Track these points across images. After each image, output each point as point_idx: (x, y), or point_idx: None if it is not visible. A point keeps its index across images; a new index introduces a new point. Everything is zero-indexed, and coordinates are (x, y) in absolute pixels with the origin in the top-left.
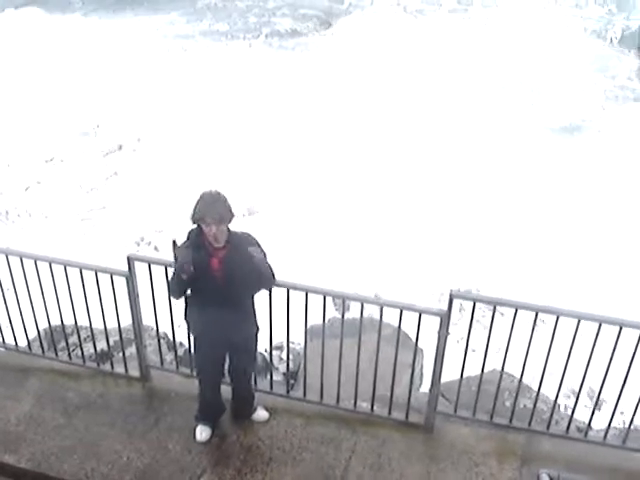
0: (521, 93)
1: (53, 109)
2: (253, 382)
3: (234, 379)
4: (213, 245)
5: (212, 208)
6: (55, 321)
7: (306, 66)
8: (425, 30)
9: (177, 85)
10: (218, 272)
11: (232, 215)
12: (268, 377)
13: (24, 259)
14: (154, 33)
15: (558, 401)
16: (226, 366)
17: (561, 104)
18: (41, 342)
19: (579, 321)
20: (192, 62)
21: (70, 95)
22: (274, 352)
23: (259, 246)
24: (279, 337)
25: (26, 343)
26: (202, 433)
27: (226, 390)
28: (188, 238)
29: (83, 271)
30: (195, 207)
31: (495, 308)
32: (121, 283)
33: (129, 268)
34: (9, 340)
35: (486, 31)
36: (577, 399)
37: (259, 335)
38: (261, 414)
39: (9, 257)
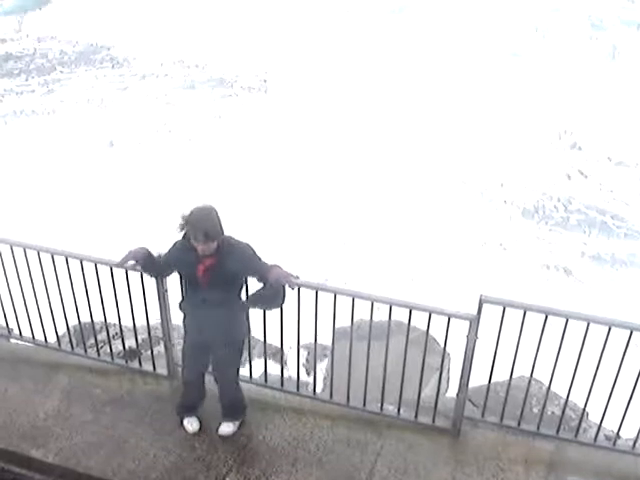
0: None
1: None
2: (238, 388)
3: (217, 380)
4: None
5: (199, 227)
6: (85, 318)
7: None
8: None
9: None
10: (202, 278)
11: (221, 232)
12: (295, 378)
13: (55, 256)
14: None
15: (587, 409)
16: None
17: None
18: (70, 338)
19: (610, 328)
20: None
21: None
22: (301, 353)
23: (255, 257)
24: (306, 338)
25: (55, 339)
26: (191, 425)
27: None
28: (184, 237)
29: (113, 269)
30: (184, 222)
31: (525, 313)
32: (150, 281)
33: None
34: (39, 336)
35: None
36: (606, 407)
37: (246, 340)
38: (225, 429)
39: (40, 253)
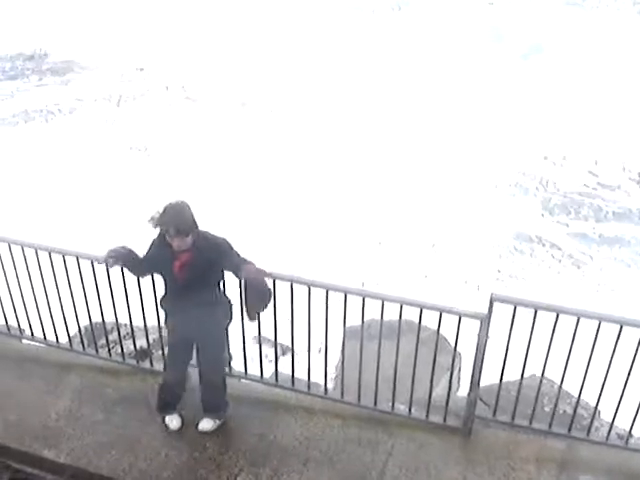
0: None
1: None
2: (223, 383)
3: (200, 372)
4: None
5: (171, 223)
6: (96, 318)
7: None
8: None
9: None
10: (179, 274)
11: (194, 227)
12: (305, 377)
13: (66, 257)
14: None
15: (599, 407)
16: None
17: None
18: (82, 339)
19: (621, 327)
20: None
21: None
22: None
23: (232, 251)
24: (317, 337)
25: (67, 339)
26: (172, 422)
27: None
28: (160, 234)
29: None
30: (159, 218)
31: (536, 312)
32: (162, 280)
33: None
34: (50, 336)
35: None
36: (618, 405)
37: (228, 331)
38: (205, 425)
39: (52, 254)
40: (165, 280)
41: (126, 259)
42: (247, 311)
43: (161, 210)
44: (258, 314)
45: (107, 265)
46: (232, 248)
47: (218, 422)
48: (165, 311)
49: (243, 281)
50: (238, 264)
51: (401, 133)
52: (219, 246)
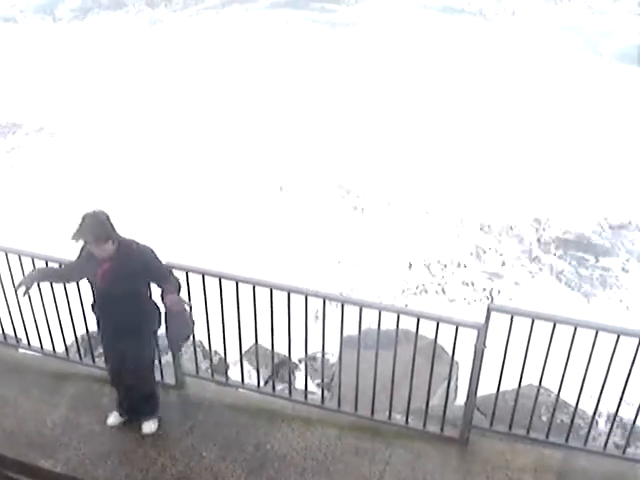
0: None
1: None
2: (153, 384)
3: (129, 377)
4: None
5: (87, 231)
6: (93, 327)
7: None
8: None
9: None
10: (102, 282)
11: (110, 232)
12: (303, 387)
13: (63, 266)
14: None
15: (596, 417)
16: None
17: None
18: (78, 348)
19: (618, 336)
20: None
21: None
22: (308, 362)
23: (156, 260)
24: (313, 347)
25: (64, 349)
26: (111, 418)
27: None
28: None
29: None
30: (77, 228)
31: (533, 321)
32: (157, 290)
33: None
34: (47, 346)
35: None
36: (615, 415)
37: (156, 336)
38: (149, 427)
39: (49, 264)
40: (91, 287)
41: (41, 278)
42: (169, 342)
43: (80, 220)
44: (180, 345)
45: (26, 292)
46: (157, 257)
47: (157, 421)
48: (96, 317)
49: (164, 310)
50: (161, 278)
51: (397, 145)
52: (142, 255)
